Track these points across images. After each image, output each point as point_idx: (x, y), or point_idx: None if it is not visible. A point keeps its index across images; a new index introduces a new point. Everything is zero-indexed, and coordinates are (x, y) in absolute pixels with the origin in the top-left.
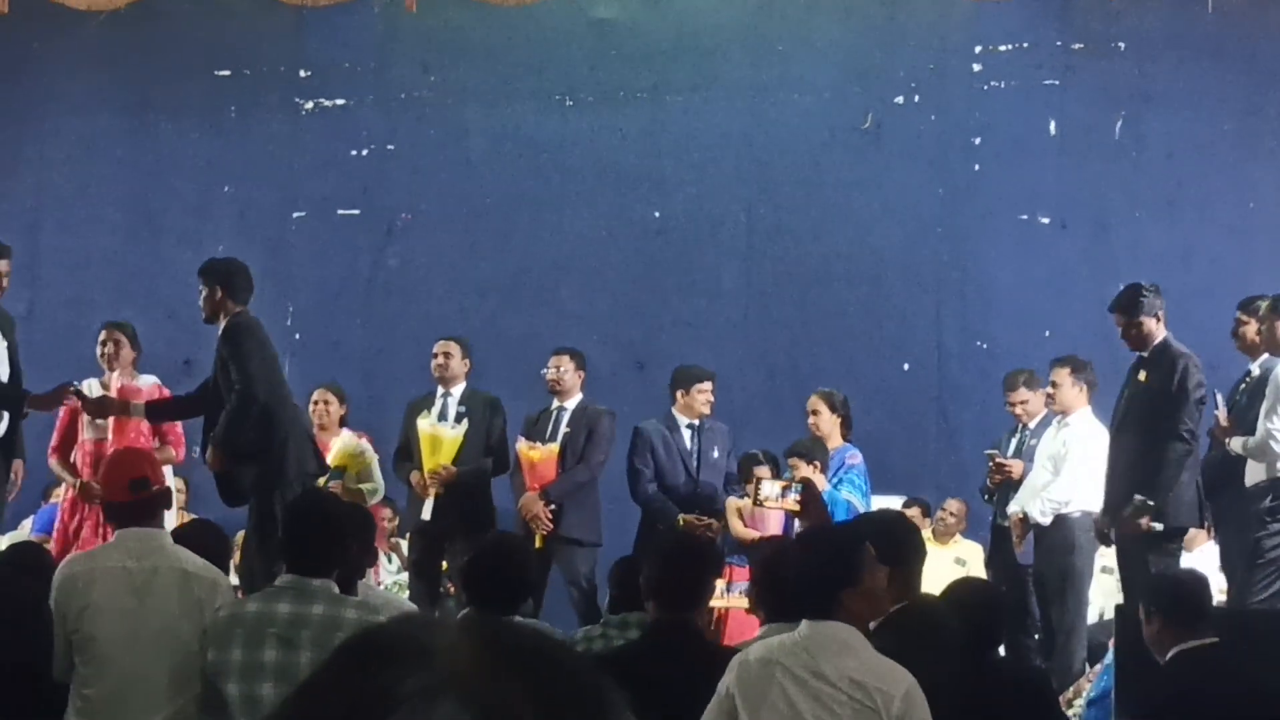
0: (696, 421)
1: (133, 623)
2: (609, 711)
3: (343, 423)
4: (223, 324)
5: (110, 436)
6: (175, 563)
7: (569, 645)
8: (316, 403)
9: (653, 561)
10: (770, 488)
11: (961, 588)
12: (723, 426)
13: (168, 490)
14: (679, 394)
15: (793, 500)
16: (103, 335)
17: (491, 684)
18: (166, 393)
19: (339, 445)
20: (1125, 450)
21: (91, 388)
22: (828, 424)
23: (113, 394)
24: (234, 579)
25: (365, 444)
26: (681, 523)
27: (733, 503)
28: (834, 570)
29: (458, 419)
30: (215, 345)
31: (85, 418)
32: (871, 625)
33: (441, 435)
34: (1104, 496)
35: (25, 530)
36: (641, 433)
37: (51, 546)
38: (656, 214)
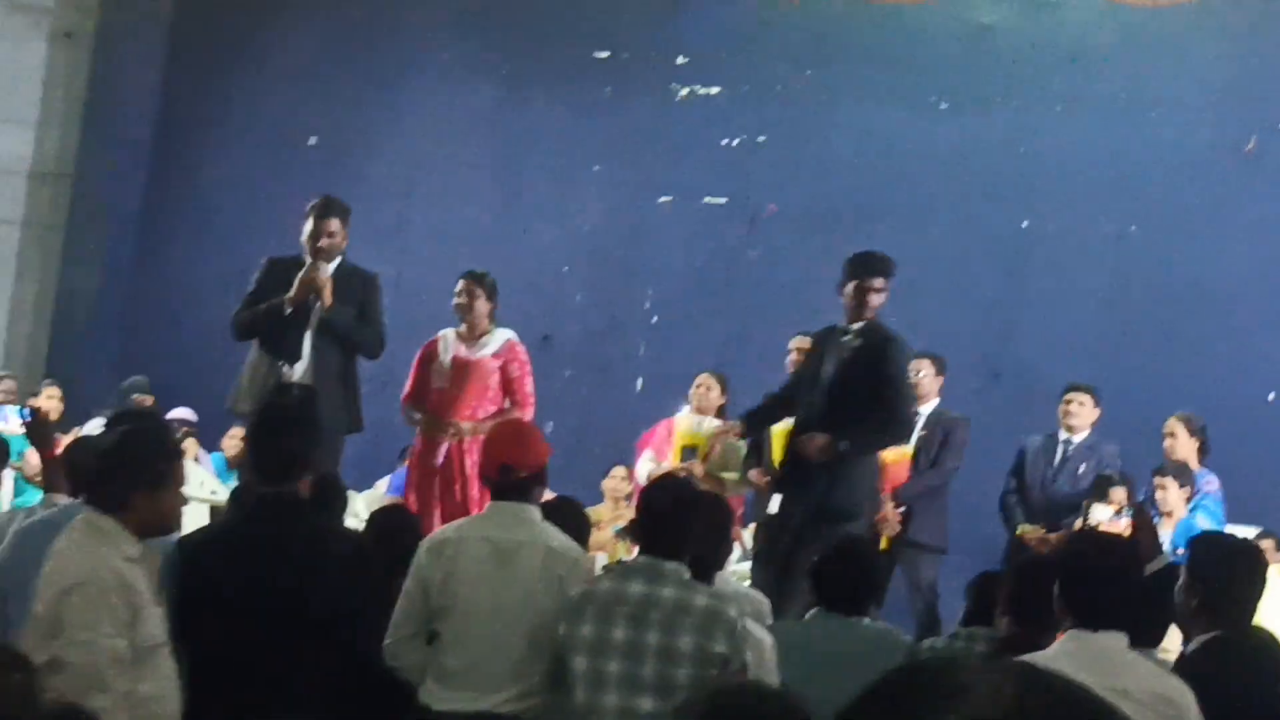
0: (1070, 436)
1: (495, 594)
2: None
3: (720, 412)
4: (858, 326)
5: (450, 386)
6: (540, 539)
7: (1100, 697)
8: (699, 386)
9: (1007, 575)
10: (1101, 512)
11: None
12: (1110, 447)
13: (540, 472)
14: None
15: (1123, 525)
16: (460, 285)
17: None
18: (519, 351)
19: (684, 425)
20: None
21: (447, 339)
22: (1184, 447)
23: (447, 364)
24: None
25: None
26: (1020, 531)
27: (1079, 526)
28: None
29: None
30: (848, 348)
31: (436, 364)
32: (1186, 651)
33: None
34: None
35: (380, 490)
36: (1021, 446)
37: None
38: (1023, 224)
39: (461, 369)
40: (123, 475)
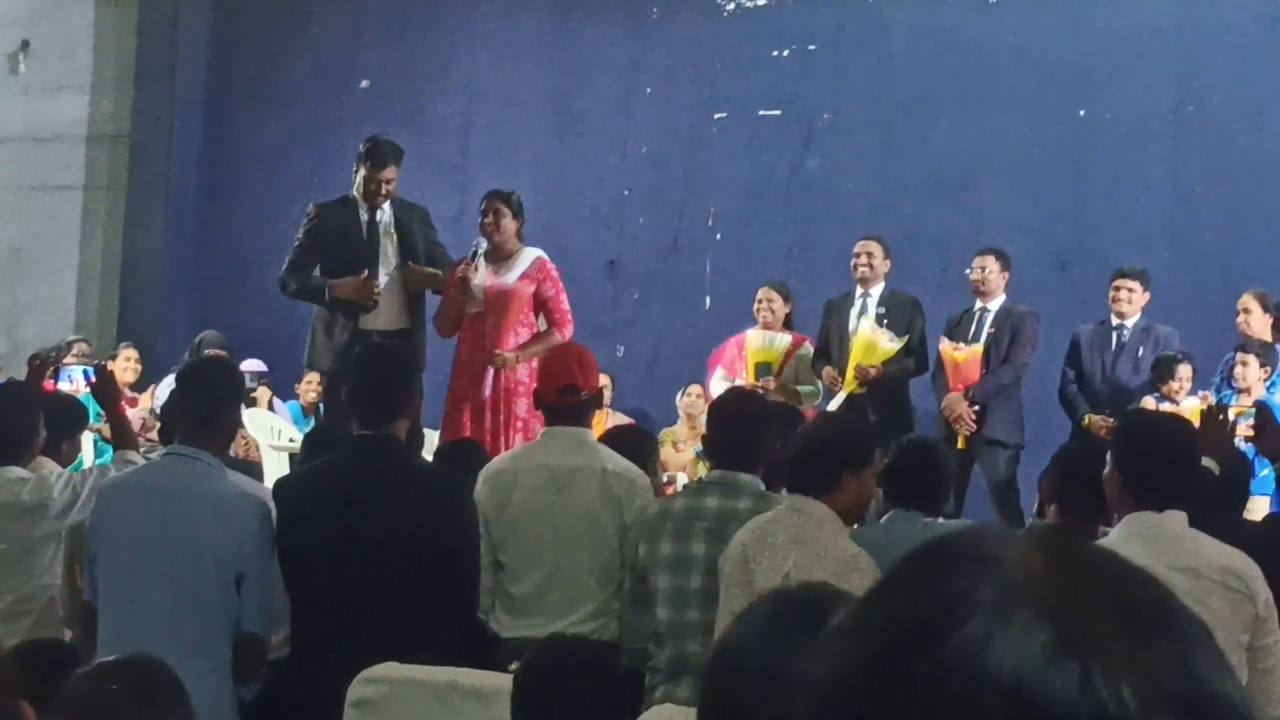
0: (1123, 322)
1: (555, 520)
2: (1188, 631)
3: (788, 323)
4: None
5: (488, 314)
6: (596, 461)
7: (1135, 564)
8: (761, 301)
9: (1055, 466)
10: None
11: None
12: (1166, 330)
13: (598, 395)
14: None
15: (1245, 427)
16: (484, 204)
17: (1069, 597)
18: (550, 269)
19: (756, 342)
20: None
21: (480, 251)
22: (1259, 324)
23: (481, 293)
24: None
25: (809, 345)
26: (1086, 421)
27: (1149, 404)
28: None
29: (878, 320)
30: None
31: (469, 289)
32: None
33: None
34: None
35: None
36: (1074, 335)
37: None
38: (1081, 112)
39: (495, 297)
40: (832, 457)
